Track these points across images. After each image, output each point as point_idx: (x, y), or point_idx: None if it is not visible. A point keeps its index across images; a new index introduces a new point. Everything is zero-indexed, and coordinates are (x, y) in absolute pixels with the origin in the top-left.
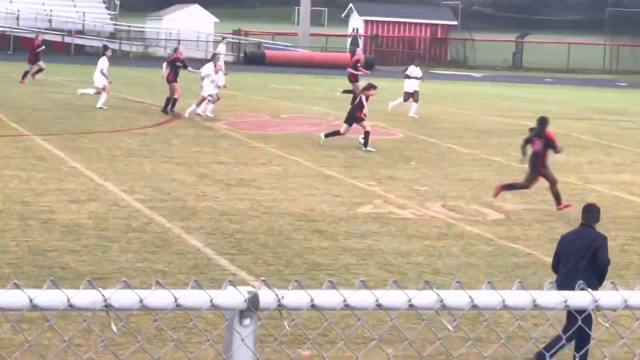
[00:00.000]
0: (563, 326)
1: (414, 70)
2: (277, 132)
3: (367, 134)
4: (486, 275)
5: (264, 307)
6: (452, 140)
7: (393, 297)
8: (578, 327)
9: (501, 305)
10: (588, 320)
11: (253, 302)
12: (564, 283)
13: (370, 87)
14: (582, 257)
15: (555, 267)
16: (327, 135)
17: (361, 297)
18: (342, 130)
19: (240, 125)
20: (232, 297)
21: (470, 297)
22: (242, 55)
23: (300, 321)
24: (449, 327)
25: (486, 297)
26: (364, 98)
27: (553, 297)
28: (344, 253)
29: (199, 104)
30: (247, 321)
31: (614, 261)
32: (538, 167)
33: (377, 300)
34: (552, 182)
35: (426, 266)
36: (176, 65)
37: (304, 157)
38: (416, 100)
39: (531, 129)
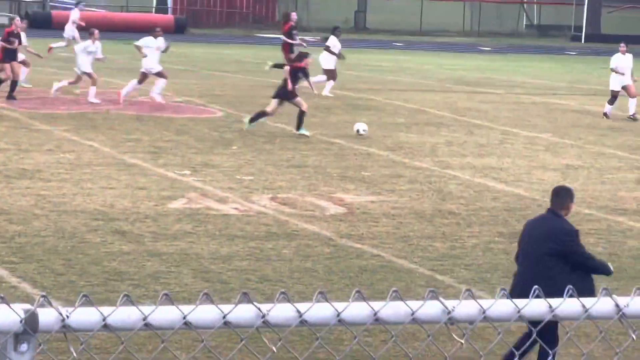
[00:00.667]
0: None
1: (335, 42)
2: (66, 111)
3: (302, 113)
4: (325, 283)
5: (45, 329)
6: (283, 118)
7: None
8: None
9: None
10: (550, 328)
11: (30, 323)
12: (520, 282)
13: (303, 56)
14: (541, 250)
15: (518, 257)
16: (252, 120)
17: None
18: (269, 109)
19: (19, 103)
20: (4, 316)
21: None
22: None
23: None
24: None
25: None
26: (289, 70)
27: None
28: (152, 259)
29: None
30: (23, 346)
31: (478, 262)
32: None
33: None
34: None
35: (252, 272)
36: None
37: (101, 141)
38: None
39: None
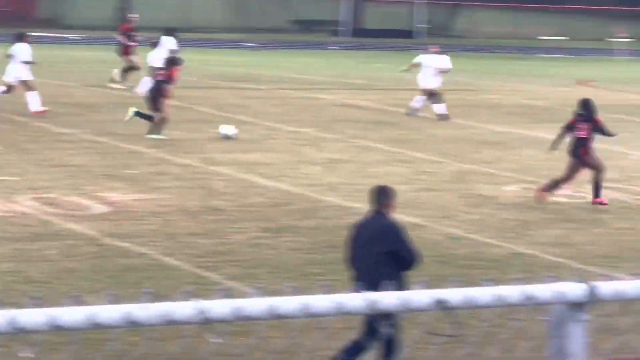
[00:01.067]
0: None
1: (172, 43)
2: None
3: (152, 118)
4: (91, 282)
5: None
6: (44, 118)
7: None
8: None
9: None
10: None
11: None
12: (354, 284)
13: (174, 62)
14: (371, 251)
15: (348, 260)
16: (138, 114)
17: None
18: (156, 118)
19: None
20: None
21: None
22: None
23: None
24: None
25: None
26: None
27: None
28: None
29: None
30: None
31: (245, 258)
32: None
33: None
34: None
35: (17, 274)
36: None
37: None
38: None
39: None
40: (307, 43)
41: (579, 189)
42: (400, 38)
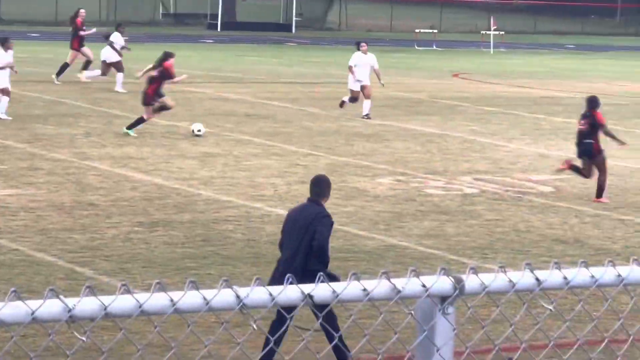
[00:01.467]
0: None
1: (119, 38)
2: None
3: (141, 119)
4: None
5: None
6: None
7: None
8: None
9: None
10: (328, 315)
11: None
12: (281, 269)
13: (169, 56)
14: (301, 238)
15: (281, 245)
16: (131, 126)
17: None
18: (145, 115)
19: None
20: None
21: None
22: None
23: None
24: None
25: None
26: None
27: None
28: None
29: None
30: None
31: (119, 253)
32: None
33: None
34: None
35: None
36: None
37: None
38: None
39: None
40: (181, 37)
41: (453, 182)
42: (275, 31)
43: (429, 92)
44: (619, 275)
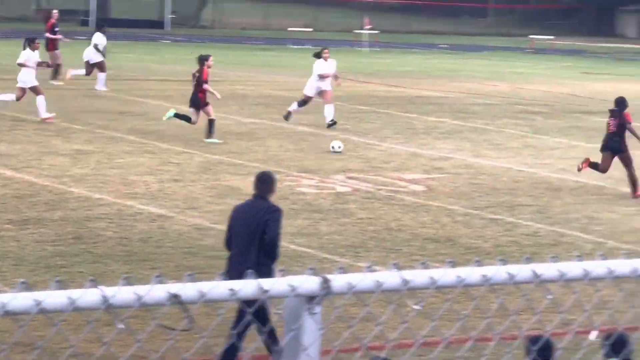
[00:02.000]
0: (233, 322)
1: (101, 39)
2: None
3: (211, 122)
4: None
5: None
6: None
7: None
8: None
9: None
10: (261, 312)
11: None
12: (234, 266)
13: (205, 58)
14: (252, 234)
15: (228, 242)
16: (177, 115)
17: None
18: (193, 119)
19: None
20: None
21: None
22: None
23: None
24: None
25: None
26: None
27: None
28: None
29: None
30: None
31: None
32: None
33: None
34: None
35: None
36: None
37: None
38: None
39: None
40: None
41: (326, 180)
42: (149, 28)
43: (301, 91)
44: (485, 276)
